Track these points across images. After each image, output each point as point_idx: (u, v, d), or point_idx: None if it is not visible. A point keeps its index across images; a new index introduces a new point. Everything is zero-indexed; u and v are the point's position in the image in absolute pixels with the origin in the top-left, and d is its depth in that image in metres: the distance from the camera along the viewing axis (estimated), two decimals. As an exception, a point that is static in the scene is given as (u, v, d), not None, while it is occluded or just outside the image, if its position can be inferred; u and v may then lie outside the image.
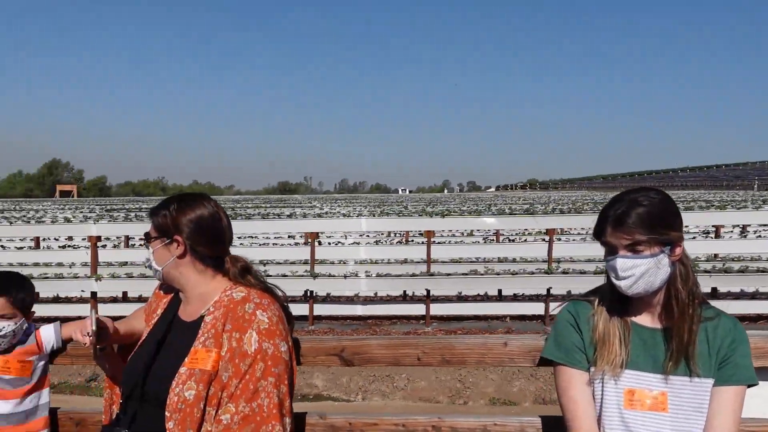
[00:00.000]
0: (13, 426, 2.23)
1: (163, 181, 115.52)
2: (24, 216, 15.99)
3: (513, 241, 11.41)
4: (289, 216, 13.57)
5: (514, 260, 9.77)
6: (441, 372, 7.88)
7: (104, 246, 11.64)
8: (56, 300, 10.26)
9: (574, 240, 11.76)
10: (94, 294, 9.45)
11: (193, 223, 1.92)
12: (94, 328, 1.98)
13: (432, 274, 9.15)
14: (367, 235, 11.97)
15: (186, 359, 1.82)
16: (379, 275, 9.28)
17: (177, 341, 1.91)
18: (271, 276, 9.36)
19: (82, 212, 17.80)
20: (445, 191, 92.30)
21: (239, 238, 13.14)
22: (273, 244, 12.29)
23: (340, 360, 2.21)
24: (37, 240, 11.67)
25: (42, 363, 2.30)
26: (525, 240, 11.29)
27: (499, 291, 10.12)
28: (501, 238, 12.47)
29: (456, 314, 9.63)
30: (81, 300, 9.93)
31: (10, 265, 10.63)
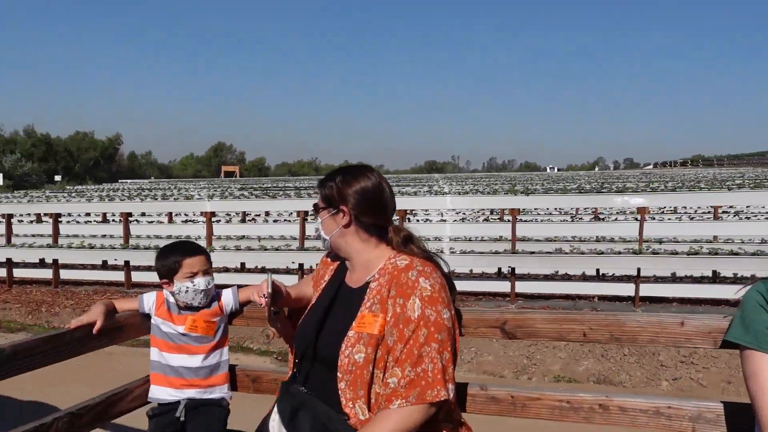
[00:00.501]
0: (200, 379, 2.43)
1: (316, 162, 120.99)
2: (182, 192, 17.85)
3: (603, 219, 11.01)
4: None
5: (603, 239, 9.52)
6: (509, 347, 7.99)
7: (228, 221, 12.87)
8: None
9: (669, 219, 11.13)
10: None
11: (358, 194, 1.97)
12: (269, 290, 2.06)
13: (516, 252, 9.19)
14: (455, 213, 12.16)
15: (353, 323, 1.88)
16: (463, 252, 9.47)
17: (344, 306, 1.98)
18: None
19: (227, 189, 19.45)
20: (596, 169, 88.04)
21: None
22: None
23: (502, 332, 2.21)
24: (170, 215, 13.11)
25: (223, 324, 2.50)
26: (615, 219, 10.86)
27: (583, 272, 9.91)
28: (592, 217, 12.07)
29: (541, 293, 9.59)
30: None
31: (148, 237, 12.11)
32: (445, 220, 11.23)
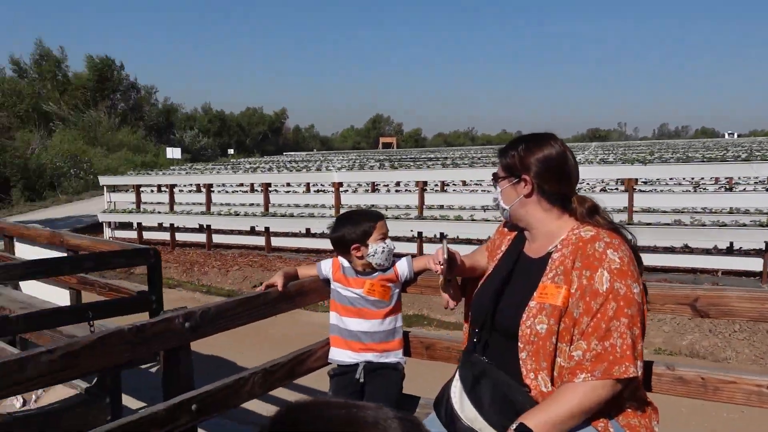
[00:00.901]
0: (375, 343, 2.51)
1: (472, 132, 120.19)
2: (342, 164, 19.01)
3: (731, 190, 10.23)
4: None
5: (732, 211, 8.97)
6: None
7: (355, 191, 13.66)
8: (308, 234, 12.53)
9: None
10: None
11: (541, 162, 1.92)
12: (445, 256, 2.08)
13: (630, 223, 8.99)
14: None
15: (535, 294, 1.85)
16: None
17: (523, 276, 1.95)
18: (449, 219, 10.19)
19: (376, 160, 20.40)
20: (784, 134, 78.92)
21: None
22: (453, 190, 13.05)
23: (692, 310, 2.10)
24: (307, 185, 14.16)
25: (397, 291, 2.58)
26: (743, 189, 10.04)
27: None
28: (714, 187, 11.20)
29: (659, 265, 9.29)
30: (324, 235, 11.97)
31: (288, 206, 13.21)
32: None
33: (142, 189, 14.51)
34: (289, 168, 15.75)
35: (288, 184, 14.81)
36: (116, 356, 1.99)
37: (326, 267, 2.63)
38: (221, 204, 13.55)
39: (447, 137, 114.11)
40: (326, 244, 11.57)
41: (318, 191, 13.41)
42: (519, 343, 1.83)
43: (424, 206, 10.85)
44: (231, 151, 55.04)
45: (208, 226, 12.79)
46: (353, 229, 2.49)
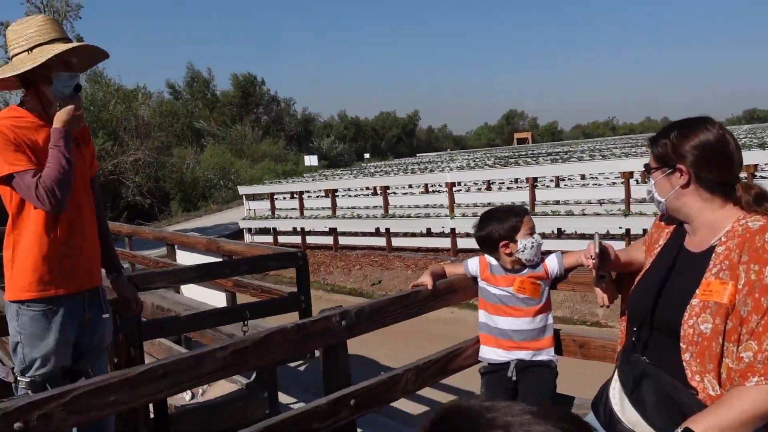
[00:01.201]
0: (526, 341, 2.48)
1: (613, 121, 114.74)
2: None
3: None
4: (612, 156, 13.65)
5: None
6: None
7: (468, 189, 13.99)
8: (428, 233, 13.03)
9: None
10: (452, 230, 11.79)
11: (698, 149, 1.79)
12: (597, 250, 2.02)
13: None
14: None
15: (697, 291, 1.74)
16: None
17: (684, 272, 1.84)
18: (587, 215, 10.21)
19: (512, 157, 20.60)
20: None
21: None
22: (593, 184, 12.78)
23: None
24: (426, 186, 14.69)
25: (547, 288, 2.53)
26: None
27: None
28: None
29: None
30: (441, 234, 12.42)
31: (408, 207, 13.81)
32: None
33: (275, 196, 15.79)
34: (406, 170, 16.35)
35: (409, 186, 15.44)
36: (280, 353, 2.12)
37: (473, 265, 2.62)
38: (346, 207, 14.44)
39: (585, 128, 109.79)
40: (444, 243, 12.05)
41: (434, 192, 13.89)
42: (681, 344, 1.74)
43: (536, 202, 10.97)
44: (366, 155, 56.90)
45: (334, 229, 13.69)
46: (500, 225, 2.46)
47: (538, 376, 2.47)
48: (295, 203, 15.12)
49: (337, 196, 14.68)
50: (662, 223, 2.07)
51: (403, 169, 18.56)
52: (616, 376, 1.88)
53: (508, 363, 2.49)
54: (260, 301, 4.18)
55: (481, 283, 2.58)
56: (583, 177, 13.92)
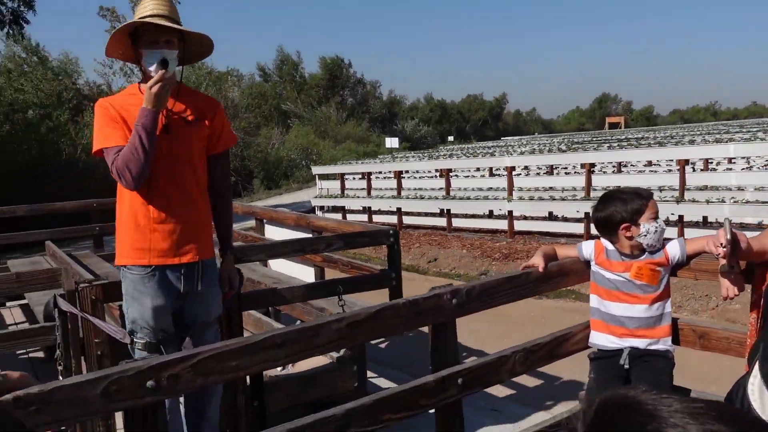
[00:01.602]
0: (641, 329, 2.39)
1: (715, 106, 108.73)
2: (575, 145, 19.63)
3: None
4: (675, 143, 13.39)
5: None
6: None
7: (528, 174, 14.19)
8: (490, 215, 13.35)
9: None
10: (510, 212, 12.05)
11: None
12: (729, 236, 1.91)
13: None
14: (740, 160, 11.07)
15: None
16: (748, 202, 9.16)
17: None
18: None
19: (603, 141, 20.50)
20: None
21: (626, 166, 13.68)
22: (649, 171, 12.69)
23: None
24: (490, 170, 14.98)
25: (666, 275, 2.42)
26: None
27: None
28: None
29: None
30: (500, 216, 12.72)
31: (467, 189, 14.15)
32: (730, 169, 10.55)
33: (346, 177, 16.57)
34: (476, 154, 16.65)
35: (477, 169, 15.78)
36: (392, 328, 2.15)
37: (588, 249, 2.54)
38: (412, 189, 14.95)
39: (684, 113, 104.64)
40: (502, 225, 12.37)
41: (497, 175, 14.16)
42: None
43: (592, 188, 11.12)
44: (450, 138, 56.95)
45: (399, 209, 14.26)
46: (623, 207, 2.37)
47: (654, 366, 2.38)
48: (364, 183, 15.78)
49: (404, 177, 15.23)
50: None
51: (473, 153, 18.88)
52: (755, 371, 1.71)
53: (620, 350, 2.42)
54: (352, 276, 4.21)
55: (595, 267, 2.51)
56: (650, 163, 13.81)
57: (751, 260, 2.10)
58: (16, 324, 5.61)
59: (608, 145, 16.94)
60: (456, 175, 14.93)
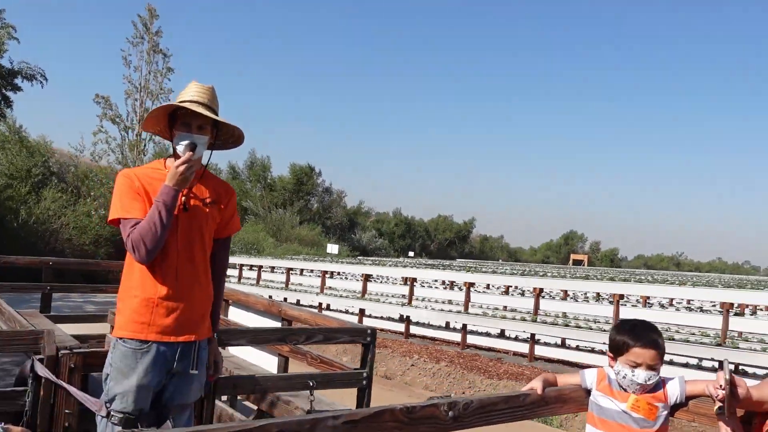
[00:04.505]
0: None
1: (679, 257, 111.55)
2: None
3: None
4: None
5: None
6: None
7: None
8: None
9: None
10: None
11: None
12: (728, 377, 1.96)
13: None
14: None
15: None
16: None
17: None
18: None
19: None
20: None
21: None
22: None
23: None
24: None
25: (665, 412, 2.38)
26: None
27: None
28: None
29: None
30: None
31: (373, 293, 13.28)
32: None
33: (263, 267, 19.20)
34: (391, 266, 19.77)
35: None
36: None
37: (591, 376, 2.52)
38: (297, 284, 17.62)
39: (648, 260, 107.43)
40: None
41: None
42: None
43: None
44: (411, 253, 57.25)
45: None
46: (614, 336, 2.41)
47: None
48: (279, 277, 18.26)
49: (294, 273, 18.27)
50: None
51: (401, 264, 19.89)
52: None
53: None
54: (324, 372, 4.25)
55: (594, 395, 2.47)
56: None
57: (750, 409, 2.10)
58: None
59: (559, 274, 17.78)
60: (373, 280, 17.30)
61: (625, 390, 2.37)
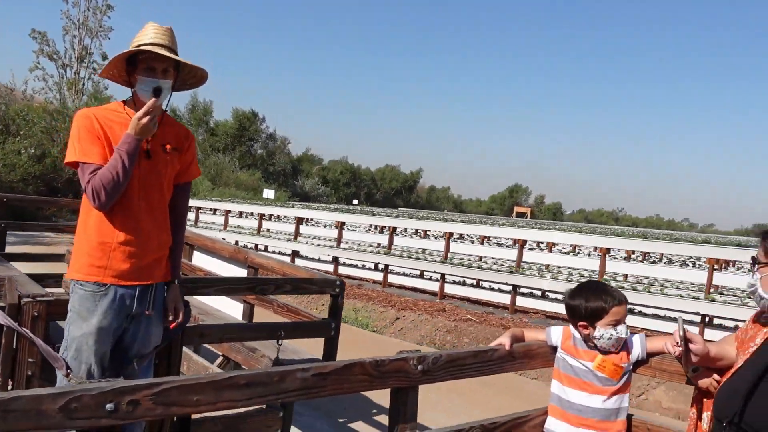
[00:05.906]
0: (596, 420, 2.40)
1: (619, 212, 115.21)
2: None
3: None
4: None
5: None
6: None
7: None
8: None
9: None
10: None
11: None
12: (681, 334, 2.01)
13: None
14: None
15: None
16: None
17: None
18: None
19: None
20: None
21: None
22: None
23: None
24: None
25: (628, 371, 2.45)
26: None
27: None
28: None
29: None
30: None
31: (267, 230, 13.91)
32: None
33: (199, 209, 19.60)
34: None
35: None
36: (356, 385, 2.12)
37: (556, 334, 2.57)
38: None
39: (588, 214, 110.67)
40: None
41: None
42: None
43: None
44: (355, 202, 57.77)
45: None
46: (585, 304, 2.40)
47: None
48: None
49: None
50: (758, 323, 2.03)
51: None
52: None
53: None
54: (293, 321, 4.29)
55: (560, 353, 2.55)
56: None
57: (708, 365, 2.13)
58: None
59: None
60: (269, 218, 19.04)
61: (591, 349, 2.43)
